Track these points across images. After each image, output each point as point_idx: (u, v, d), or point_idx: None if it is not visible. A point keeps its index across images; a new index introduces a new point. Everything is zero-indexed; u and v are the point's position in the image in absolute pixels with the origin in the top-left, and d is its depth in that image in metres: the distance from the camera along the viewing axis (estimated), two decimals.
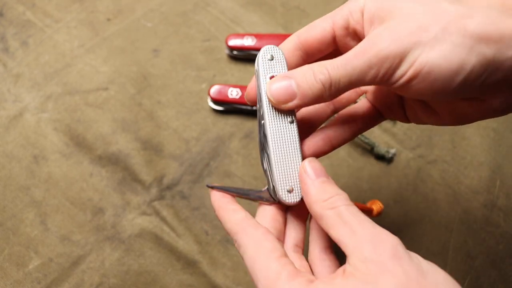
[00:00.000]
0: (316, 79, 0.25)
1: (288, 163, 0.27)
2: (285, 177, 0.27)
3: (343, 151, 0.49)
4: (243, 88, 0.49)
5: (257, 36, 0.52)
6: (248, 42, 0.52)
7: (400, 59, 0.23)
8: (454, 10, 0.23)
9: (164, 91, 0.51)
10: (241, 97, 0.49)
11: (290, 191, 0.27)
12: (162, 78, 0.52)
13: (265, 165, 0.27)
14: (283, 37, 0.52)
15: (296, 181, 0.27)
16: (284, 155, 0.26)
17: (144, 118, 0.49)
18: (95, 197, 0.45)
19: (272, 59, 0.27)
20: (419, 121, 0.30)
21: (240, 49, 0.52)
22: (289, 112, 0.27)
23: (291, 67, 0.27)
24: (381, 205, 0.33)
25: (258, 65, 0.26)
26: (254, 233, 0.26)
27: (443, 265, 0.45)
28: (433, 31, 0.23)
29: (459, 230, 0.46)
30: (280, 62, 0.27)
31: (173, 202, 0.45)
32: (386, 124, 0.51)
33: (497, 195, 0.48)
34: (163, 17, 0.55)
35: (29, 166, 0.46)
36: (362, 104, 0.31)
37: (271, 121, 0.26)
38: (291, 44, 0.28)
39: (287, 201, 0.27)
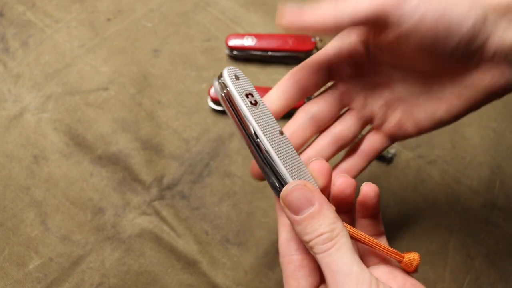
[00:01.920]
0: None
1: (297, 168, 0.26)
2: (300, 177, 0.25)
3: (343, 151, 0.49)
4: None
5: (257, 36, 0.52)
6: (248, 42, 0.52)
7: None
8: None
9: (164, 91, 0.51)
10: None
11: None
12: (162, 78, 0.52)
13: (274, 180, 0.25)
14: (283, 37, 0.52)
15: (309, 177, 0.26)
16: (292, 162, 0.25)
17: (144, 118, 0.49)
18: (95, 197, 0.45)
19: (238, 79, 0.26)
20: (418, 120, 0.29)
21: (240, 49, 0.52)
22: (275, 126, 0.26)
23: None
24: (416, 258, 0.27)
25: (229, 87, 0.25)
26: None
27: (443, 265, 0.45)
28: None
29: (459, 230, 0.46)
30: (246, 80, 0.26)
31: (173, 202, 0.45)
32: None
33: (497, 195, 0.48)
34: (163, 17, 0.55)
35: (29, 166, 0.46)
36: (372, 138, 0.32)
37: (267, 136, 0.25)
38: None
39: None
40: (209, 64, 0.53)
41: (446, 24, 0.24)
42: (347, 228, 0.25)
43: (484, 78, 0.26)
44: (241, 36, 0.52)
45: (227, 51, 0.53)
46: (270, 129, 0.25)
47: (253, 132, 0.25)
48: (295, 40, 0.52)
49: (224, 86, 0.25)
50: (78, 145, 0.47)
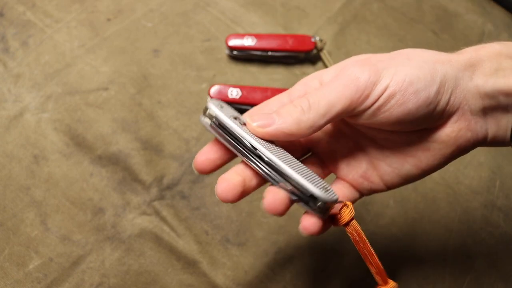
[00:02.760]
0: (295, 105, 0.26)
1: (303, 173, 0.26)
2: (312, 181, 0.25)
3: None
4: (243, 88, 0.49)
5: (257, 36, 0.52)
6: (248, 42, 0.52)
7: (376, 76, 0.25)
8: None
9: (164, 91, 0.51)
10: (241, 97, 0.49)
11: (326, 189, 0.25)
12: (162, 78, 0.52)
13: (282, 181, 0.25)
14: (283, 37, 0.52)
15: (321, 181, 0.26)
16: (296, 168, 0.26)
17: (144, 118, 0.49)
18: (95, 197, 0.45)
19: (222, 107, 0.27)
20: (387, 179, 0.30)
21: (240, 49, 0.52)
22: (270, 141, 0.27)
23: None
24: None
25: (217, 114, 0.26)
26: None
27: (443, 265, 0.45)
28: (399, 59, 0.27)
29: (458, 230, 0.46)
30: (229, 107, 0.27)
31: (173, 202, 0.45)
32: None
33: (497, 195, 0.48)
34: (163, 17, 0.55)
35: (29, 166, 0.46)
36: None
37: (265, 146, 0.25)
38: None
39: (331, 196, 0.25)
40: (209, 64, 0.53)
41: (414, 97, 0.25)
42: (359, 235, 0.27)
43: (451, 132, 0.27)
44: (241, 36, 0.52)
45: (227, 51, 0.53)
46: (264, 142, 0.26)
47: (250, 146, 0.25)
48: (295, 40, 0.52)
49: (211, 116, 0.26)
50: (78, 145, 0.47)
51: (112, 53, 0.52)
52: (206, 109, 0.27)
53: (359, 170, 0.30)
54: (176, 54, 0.53)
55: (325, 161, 0.31)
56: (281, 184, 0.25)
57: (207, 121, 0.26)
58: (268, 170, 0.25)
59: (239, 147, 0.25)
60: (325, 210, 0.25)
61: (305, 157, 0.31)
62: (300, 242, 0.44)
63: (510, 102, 0.26)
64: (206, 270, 0.43)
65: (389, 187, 0.30)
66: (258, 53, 0.52)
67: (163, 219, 0.45)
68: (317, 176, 0.27)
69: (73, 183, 0.46)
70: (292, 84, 0.54)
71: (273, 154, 0.25)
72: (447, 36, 0.57)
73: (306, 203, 0.25)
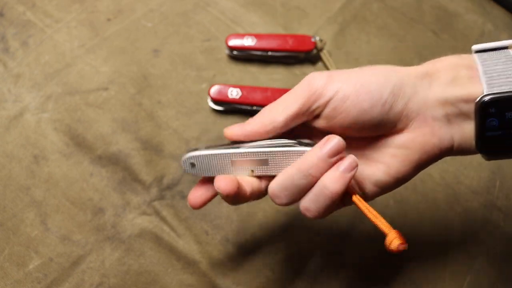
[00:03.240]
0: (259, 113, 0.30)
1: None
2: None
3: None
4: (243, 88, 0.49)
5: (257, 36, 0.52)
6: (248, 42, 0.52)
7: (331, 78, 0.28)
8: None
9: (164, 91, 0.51)
10: (241, 97, 0.49)
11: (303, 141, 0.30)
12: (162, 78, 0.52)
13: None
14: (283, 37, 0.52)
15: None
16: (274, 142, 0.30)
17: (144, 118, 0.49)
18: (95, 197, 0.45)
19: (194, 165, 0.31)
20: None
21: (240, 49, 0.52)
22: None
23: None
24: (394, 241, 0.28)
25: (193, 154, 0.30)
26: None
27: (443, 265, 0.45)
28: (355, 69, 0.29)
29: (458, 230, 0.46)
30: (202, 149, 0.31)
31: (173, 202, 0.45)
32: None
33: (497, 196, 0.48)
34: (163, 17, 0.55)
35: (29, 166, 0.46)
36: None
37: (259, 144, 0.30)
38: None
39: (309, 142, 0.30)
40: (209, 64, 0.53)
41: (367, 97, 0.27)
42: (359, 199, 0.28)
43: (415, 138, 0.28)
44: (241, 36, 0.52)
45: (227, 51, 0.53)
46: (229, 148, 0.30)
47: (233, 151, 0.29)
48: (295, 40, 0.52)
49: (191, 160, 0.30)
50: (78, 145, 0.47)
51: (112, 53, 0.52)
52: (187, 160, 0.31)
53: None
54: (176, 54, 0.53)
55: None
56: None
57: (192, 169, 0.30)
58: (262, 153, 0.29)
59: (226, 161, 0.29)
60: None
61: None
62: (300, 242, 0.44)
63: (471, 109, 0.27)
64: (206, 270, 0.43)
65: (368, 196, 0.30)
66: (258, 53, 0.52)
67: (163, 219, 0.45)
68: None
69: (73, 183, 0.46)
70: (292, 84, 0.54)
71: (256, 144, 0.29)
72: (447, 36, 0.57)
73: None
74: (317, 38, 0.52)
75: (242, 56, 0.53)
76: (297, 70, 0.53)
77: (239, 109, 0.50)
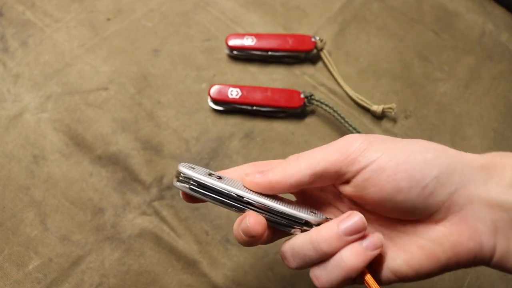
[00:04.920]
0: (286, 160, 0.26)
1: (291, 206, 0.27)
2: (300, 210, 0.27)
3: None
4: (243, 88, 0.49)
5: (257, 36, 0.52)
6: (248, 42, 0.52)
7: (370, 144, 0.25)
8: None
9: (164, 91, 0.51)
10: (241, 97, 0.49)
11: (314, 213, 0.27)
12: (162, 78, 0.51)
13: (283, 220, 0.26)
14: (283, 37, 0.52)
15: (308, 209, 0.27)
16: (284, 204, 0.27)
17: (144, 118, 0.49)
18: (95, 197, 0.45)
19: (194, 168, 0.27)
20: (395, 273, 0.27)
21: (240, 49, 0.52)
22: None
23: None
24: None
25: (192, 175, 0.26)
26: None
27: None
28: (404, 140, 0.26)
29: None
30: (200, 168, 0.28)
31: (173, 202, 0.45)
32: (387, 124, 0.51)
33: None
34: (163, 17, 0.55)
35: (29, 166, 0.46)
36: None
37: (248, 192, 0.27)
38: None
39: (320, 218, 0.27)
40: (209, 64, 0.53)
41: (407, 175, 0.24)
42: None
43: (450, 235, 0.24)
44: (241, 36, 0.52)
45: (227, 51, 0.53)
46: (249, 191, 0.27)
47: (236, 196, 0.26)
48: (295, 40, 0.52)
49: (187, 179, 0.26)
50: (78, 145, 0.47)
51: (112, 53, 0.52)
52: (179, 173, 0.27)
53: None
54: (176, 54, 0.53)
55: None
56: (282, 221, 0.26)
57: (184, 185, 0.27)
58: (262, 212, 0.26)
59: (225, 200, 0.26)
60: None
61: None
62: None
63: None
64: (206, 270, 0.43)
65: (381, 282, 0.26)
66: (258, 53, 0.52)
67: (163, 219, 0.45)
68: (303, 206, 0.28)
69: (73, 183, 0.45)
70: (292, 84, 0.54)
71: (260, 197, 0.26)
72: (448, 36, 0.57)
73: (303, 230, 0.26)
74: (317, 38, 0.52)
75: (242, 56, 0.53)
76: (297, 70, 0.53)
77: (239, 109, 0.50)
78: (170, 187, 0.46)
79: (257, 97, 0.49)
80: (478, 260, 0.24)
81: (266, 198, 0.26)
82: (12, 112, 0.49)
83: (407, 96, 0.53)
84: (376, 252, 0.24)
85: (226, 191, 0.26)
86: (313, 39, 0.52)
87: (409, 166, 0.24)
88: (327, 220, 0.26)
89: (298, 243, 0.25)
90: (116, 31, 0.54)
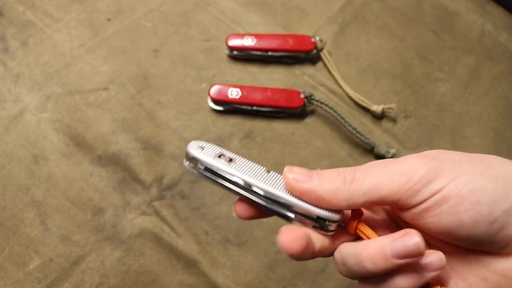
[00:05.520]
0: (338, 172, 0.23)
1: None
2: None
3: (343, 152, 0.49)
4: (243, 88, 0.49)
5: (257, 36, 0.52)
6: (248, 42, 0.52)
7: (436, 174, 0.21)
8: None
9: (164, 91, 0.51)
10: (241, 97, 0.49)
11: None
12: (162, 78, 0.52)
13: (287, 213, 0.24)
14: (283, 37, 0.52)
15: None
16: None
17: (144, 118, 0.49)
18: (95, 197, 0.45)
19: (204, 148, 0.25)
20: None
21: (240, 49, 0.52)
22: (260, 168, 0.25)
23: None
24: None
25: (200, 158, 0.24)
26: None
27: None
28: (474, 163, 0.22)
29: None
30: (212, 146, 0.26)
31: (173, 202, 0.45)
32: (386, 124, 0.51)
33: None
34: (163, 17, 0.55)
35: (29, 166, 0.46)
36: None
37: (257, 179, 0.24)
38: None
39: (334, 215, 0.24)
40: (209, 64, 0.53)
41: (472, 208, 0.21)
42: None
43: None
44: (241, 36, 0.52)
45: (227, 51, 0.53)
46: (256, 173, 0.25)
47: (243, 183, 0.24)
48: (295, 40, 0.52)
49: (195, 160, 0.25)
50: (78, 145, 0.47)
51: (112, 53, 0.52)
52: (187, 153, 0.25)
53: None
54: (176, 54, 0.53)
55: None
56: (285, 214, 0.24)
57: (192, 166, 0.25)
58: (266, 202, 0.24)
59: (231, 186, 0.24)
60: (331, 228, 0.24)
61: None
62: None
63: None
64: (206, 270, 0.43)
65: None
66: (258, 53, 0.52)
67: (163, 219, 0.45)
68: None
69: (73, 183, 0.45)
70: (292, 84, 0.54)
71: (269, 184, 0.24)
72: (447, 36, 0.57)
73: (314, 226, 0.24)
74: (317, 38, 0.52)
75: (242, 56, 0.53)
76: (297, 70, 0.53)
77: (239, 109, 0.50)
78: (170, 187, 0.46)
79: (257, 97, 0.49)
80: None
81: (273, 185, 0.24)
82: (13, 112, 0.49)
83: (407, 96, 0.53)
84: (433, 275, 0.21)
85: (232, 177, 0.24)
86: (313, 39, 0.52)
87: (476, 198, 0.21)
88: (339, 219, 0.24)
89: (344, 253, 0.23)
90: (116, 31, 0.54)
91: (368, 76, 0.53)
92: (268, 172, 0.25)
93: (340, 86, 0.52)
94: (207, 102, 0.50)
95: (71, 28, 0.54)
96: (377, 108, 0.50)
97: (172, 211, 0.45)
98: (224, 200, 0.46)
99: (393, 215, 0.26)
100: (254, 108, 0.49)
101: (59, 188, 0.45)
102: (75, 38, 0.53)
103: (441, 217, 0.21)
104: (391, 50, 0.55)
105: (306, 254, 0.23)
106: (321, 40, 0.52)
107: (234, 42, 0.52)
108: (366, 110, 0.51)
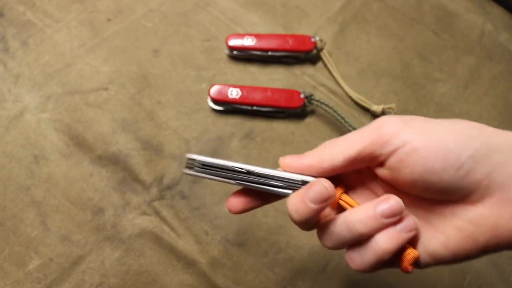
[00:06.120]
0: (322, 145, 0.27)
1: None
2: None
3: None
4: (243, 88, 0.49)
5: (257, 36, 0.52)
6: (248, 42, 0.52)
7: (404, 125, 0.24)
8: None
9: (164, 91, 0.51)
10: (241, 97, 0.49)
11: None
12: (162, 78, 0.52)
13: (281, 189, 0.28)
14: (283, 37, 0.52)
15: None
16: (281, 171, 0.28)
17: (144, 118, 0.49)
18: (95, 197, 0.45)
19: (201, 154, 0.29)
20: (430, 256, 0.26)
21: (240, 49, 0.52)
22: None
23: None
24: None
25: (199, 158, 0.28)
26: None
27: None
28: (439, 121, 0.25)
29: None
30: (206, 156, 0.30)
31: (173, 202, 0.45)
32: None
33: None
34: (163, 17, 0.55)
35: (29, 166, 0.46)
36: None
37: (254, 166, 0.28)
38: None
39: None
40: (209, 64, 0.53)
41: (440, 155, 0.23)
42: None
43: (490, 216, 0.23)
44: (241, 36, 0.52)
45: (227, 51, 0.53)
46: (248, 164, 0.28)
47: (241, 169, 0.28)
48: (295, 40, 0.52)
49: (194, 162, 0.28)
50: (78, 145, 0.47)
51: (112, 53, 0.52)
52: (187, 160, 0.29)
53: None
54: (176, 54, 0.53)
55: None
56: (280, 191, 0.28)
57: (193, 171, 0.29)
58: (258, 182, 0.28)
59: (229, 175, 0.28)
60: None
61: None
62: (300, 242, 0.44)
63: None
64: (206, 270, 0.43)
65: (421, 265, 0.26)
66: (258, 53, 0.52)
67: (163, 219, 0.45)
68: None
69: (73, 183, 0.45)
70: (292, 84, 0.54)
71: (263, 168, 0.28)
72: (447, 36, 0.57)
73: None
74: (317, 38, 0.52)
75: (242, 56, 0.53)
76: (297, 70, 0.53)
77: (239, 109, 0.50)
78: (170, 187, 0.46)
79: (257, 97, 0.49)
80: None
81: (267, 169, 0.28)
82: (13, 112, 0.49)
83: (407, 96, 0.53)
84: (410, 235, 0.24)
85: (228, 166, 0.28)
86: (313, 39, 0.52)
87: (442, 146, 0.23)
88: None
89: (333, 223, 0.26)
90: (116, 31, 0.54)
91: (368, 76, 0.54)
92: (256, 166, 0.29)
93: (340, 86, 0.52)
94: (207, 102, 0.50)
95: (71, 28, 0.54)
96: (377, 108, 0.50)
97: (172, 211, 0.45)
98: (224, 200, 0.46)
99: (378, 181, 0.29)
100: (254, 108, 0.49)
101: (59, 188, 0.45)
102: (75, 38, 0.53)
103: (415, 166, 0.24)
104: (391, 50, 0.55)
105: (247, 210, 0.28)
106: (321, 40, 0.52)
107: (234, 42, 0.52)
108: (366, 110, 0.51)
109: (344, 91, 0.52)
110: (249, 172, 0.28)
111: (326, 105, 0.49)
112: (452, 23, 0.58)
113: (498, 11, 0.60)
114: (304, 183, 0.27)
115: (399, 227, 0.24)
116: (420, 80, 0.54)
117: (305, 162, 0.27)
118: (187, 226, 0.44)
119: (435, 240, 0.25)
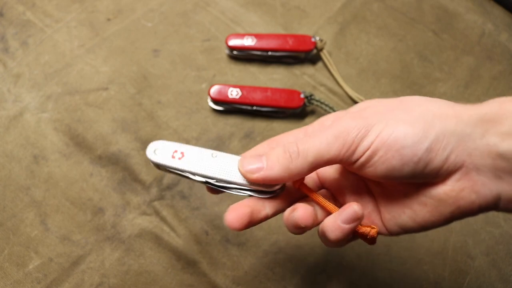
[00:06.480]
0: (285, 151, 0.27)
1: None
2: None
3: None
4: (243, 88, 0.49)
5: (257, 36, 0.52)
6: (248, 42, 0.52)
7: (366, 131, 0.25)
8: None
9: (164, 91, 0.51)
10: (241, 97, 0.49)
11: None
12: (162, 78, 0.52)
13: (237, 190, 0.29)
14: (283, 37, 0.52)
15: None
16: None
17: (144, 118, 0.49)
18: (95, 197, 0.45)
19: (158, 149, 0.30)
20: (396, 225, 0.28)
21: (240, 49, 0.52)
22: (207, 153, 0.29)
23: None
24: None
25: (153, 160, 0.29)
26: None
27: (443, 265, 0.45)
28: (397, 112, 0.26)
29: (459, 230, 0.46)
30: (166, 145, 0.30)
31: (173, 202, 0.45)
32: None
33: None
34: (163, 17, 0.55)
35: (29, 166, 0.46)
36: None
37: (204, 170, 0.29)
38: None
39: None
40: (209, 64, 0.53)
41: (397, 154, 0.24)
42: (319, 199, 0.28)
43: (450, 191, 0.25)
44: (241, 36, 0.52)
45: (227, 51, 0.53)
46: (203, 161, 0.29)
47: (194, 175, 0.29)
48: (295, 40, 0.52)
49: (152, 161, 0.29)
50: (78, 145, 0.47)
51: (112, 53, 0.52)
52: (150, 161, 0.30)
53: (365, 211, 0.29)
54: (176, 54, 0.53)
55: (336, 196, 0.31)
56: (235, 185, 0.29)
57: (154, 165, 0.30)
58: (222, 184, 0.29)
59: (189, 176, 0.29)
60: (279, 191, 0.29)
61: (320, 191, 0.32)
62: (300, 242, 0.44)
63: None
64: (206, 270, 0.43)
65: (391, 233, 0.28)
66: (258, 53, 0.52)
67: (163, 219, 0.45)
68: None
69: (73, 183, 0.45)
70: (292, 84, 0.54)
71: (212, 170, 0.29)
72: (447, 36, 0.57)
73: (264, 192, 0.29)
74: (317, 38, 0.52)
75: (242, 56, 0.53)
76: (297, 70, 0.53)
77: (239, 109, 0.50)
78: (170, 187, 0.46)
79: (257, 97, 0.49)
80: (483, 209, 0.25)
81: (224, 171, 0.29)
82: (13, 112, 0.49)
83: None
84: (353, 225, 0.26)
85: (183, 173, 0.29)
86: (313, 39, 0.52)
87: (398, 145, 0.24)
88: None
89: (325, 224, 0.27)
90: (116, 31, 0.54)
91: (368, 76, 0.54)
92: (213, 157, 0.29)
93: (340, 86, 0.52)
94: (207, 102, 0.50)
95: (71, 28, 0.54)
96: None
97: (172, 211, 0.45)
98: (224, 200, 0.46)
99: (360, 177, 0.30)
100: (254, 108, 0.49)
101: (59, 188, 0.45)
102: (75, 38, 0.53)
103: (376, 166, 0.25)
104: (391, 50, 0.55)
105: (251, 225, 0.28)
106: (321, 40, 0.52)
107: (234, 42, 0.52)
108: None
109: (344, 91, 0.52)
110: (207, 182, 0.29)
111: (326, 105, 0.48)
112: (452, 23, 0.58)
113: (498, 11, 0.60)
114: (261, 192, 0.28)
115: (340, 218, 0.26)
116: (420, 80, 0.54)
117: (270, 177, 0.27)
118: (187, 226, 0.44)
119: (404, 215, 0.27)
